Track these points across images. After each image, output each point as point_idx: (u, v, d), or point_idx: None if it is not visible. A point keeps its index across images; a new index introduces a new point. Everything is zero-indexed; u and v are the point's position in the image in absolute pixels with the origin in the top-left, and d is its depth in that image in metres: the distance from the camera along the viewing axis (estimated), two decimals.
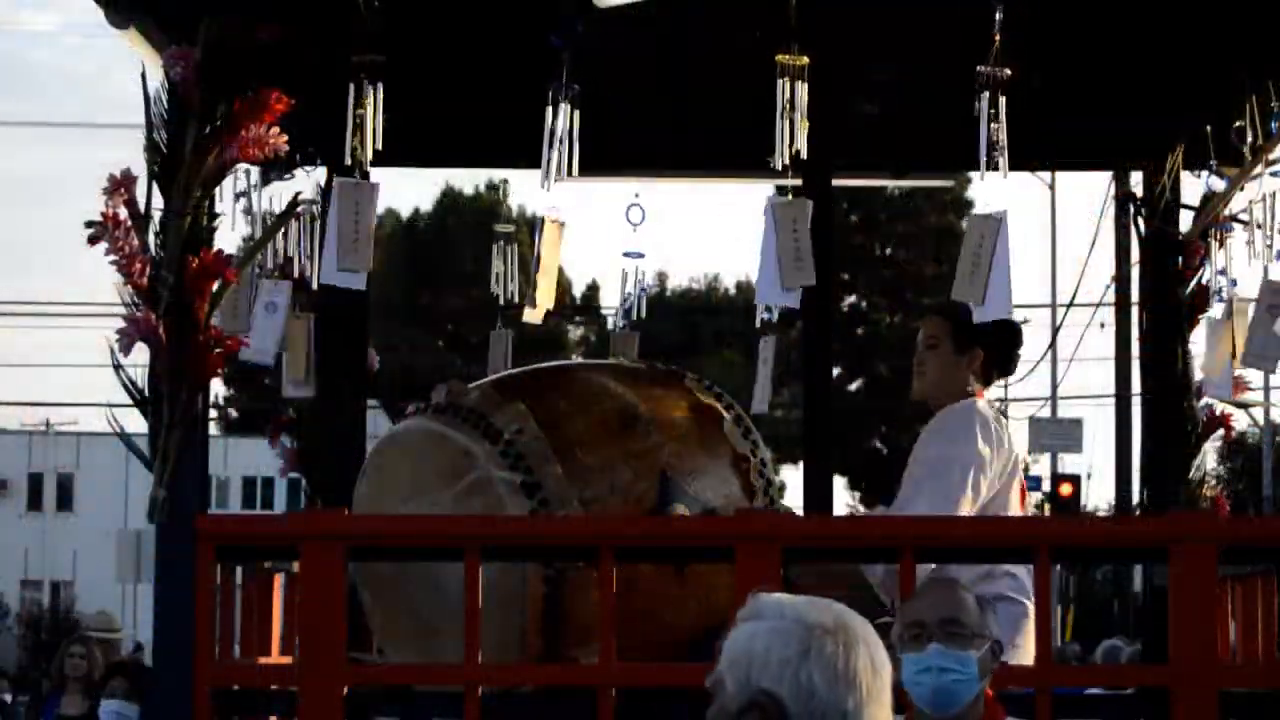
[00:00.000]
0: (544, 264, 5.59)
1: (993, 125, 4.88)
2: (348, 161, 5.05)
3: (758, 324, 6.64)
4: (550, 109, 5.03)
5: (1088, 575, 29.32)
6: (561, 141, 5.06)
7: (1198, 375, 6.27)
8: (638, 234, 6.38)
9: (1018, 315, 6.25)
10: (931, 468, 5.66)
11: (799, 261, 5.10)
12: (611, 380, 5.74)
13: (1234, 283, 6.09)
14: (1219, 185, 6.14)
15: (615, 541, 4.93)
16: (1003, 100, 4.88)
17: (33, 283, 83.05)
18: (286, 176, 6.15)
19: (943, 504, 5.51)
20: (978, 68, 4.87)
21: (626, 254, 6.58)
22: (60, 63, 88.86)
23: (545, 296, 5.66)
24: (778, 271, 5.10)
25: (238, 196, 5.65)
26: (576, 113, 5.06)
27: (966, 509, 5.56)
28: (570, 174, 5.11)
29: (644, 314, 6.72)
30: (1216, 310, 6.13)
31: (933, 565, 5.07)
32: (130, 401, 4.90)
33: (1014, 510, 5.82)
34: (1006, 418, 5.97)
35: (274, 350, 5.89)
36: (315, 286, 6.21)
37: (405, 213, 48.97)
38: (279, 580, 5.93)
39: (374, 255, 5.11)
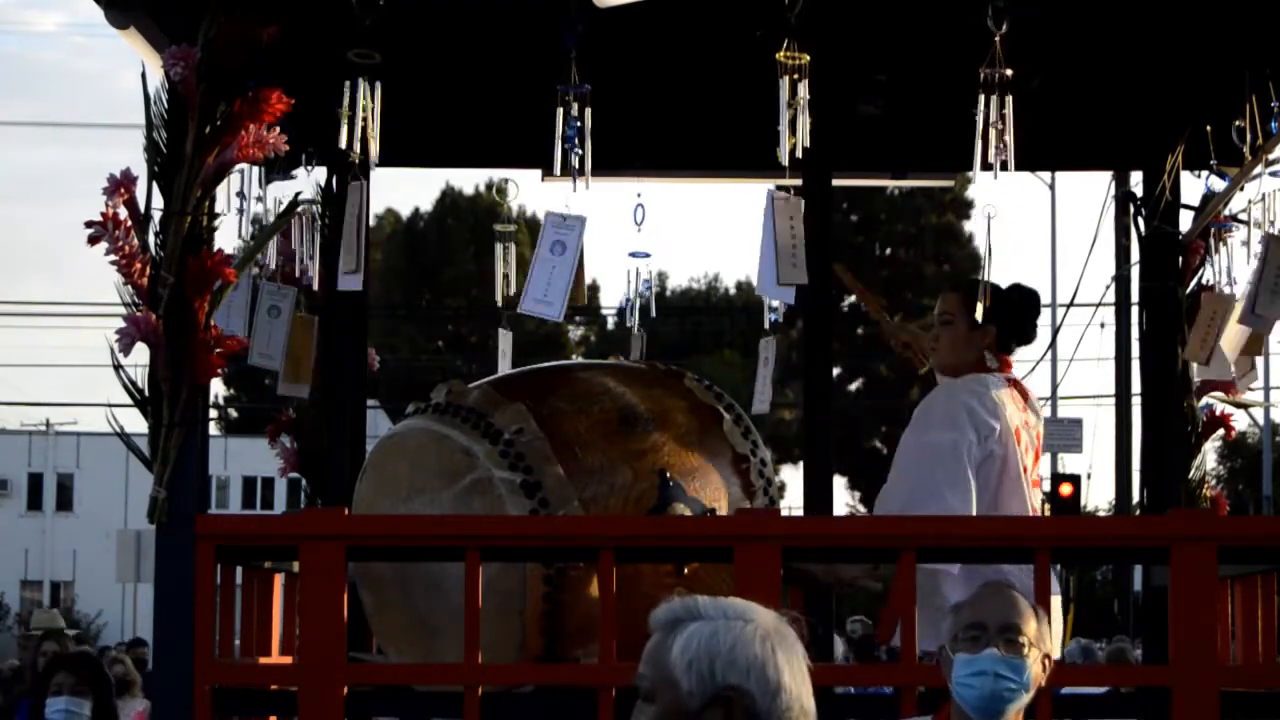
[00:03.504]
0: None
1: (995, 126, 4.88)
2: (350, 161, 5.04)
3: (765, 325, 6.64)
4: (576, 108, 5.02)
5: (1087, 575, 29.26)
6: (580, 142, 5.04)
7: (1196, 376, 6.27)
8: (639, 234, 6.38)
9: None
10: (916, 455, 5.65)
11: (794, 258, 5.09)
12: (611, 380, 5.74)
13: (1233, 282, 6.09)
14: (1219, 185, 6.13)
15: (615, 541, 4.94)
16: (1007, 100, 4.88)
17: (33, 283, 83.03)
18: (289, 176, 6.14)
19: (925, 494, 5.52)
20: (980, 71, 4.87)
21: (633, 254, 6.58)
22: (63, 63, 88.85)
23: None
24: (775, 267, 5.09)
25: (238, 196, 5.64)
26: (588, 110, 5.06)
27: (960, 492, 5.56)
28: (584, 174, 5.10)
29: (651, 313, 6.73)
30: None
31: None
32: (130, 401, 4.90)
33: (1023, 485, 5.80)
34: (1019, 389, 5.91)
35: (281, 355, 5.89)
36: (315, 287, 6.21)
37: (405, 213, 49.00)
38: (279, 580, 5.93)
39: (374, 255, 5.10)
